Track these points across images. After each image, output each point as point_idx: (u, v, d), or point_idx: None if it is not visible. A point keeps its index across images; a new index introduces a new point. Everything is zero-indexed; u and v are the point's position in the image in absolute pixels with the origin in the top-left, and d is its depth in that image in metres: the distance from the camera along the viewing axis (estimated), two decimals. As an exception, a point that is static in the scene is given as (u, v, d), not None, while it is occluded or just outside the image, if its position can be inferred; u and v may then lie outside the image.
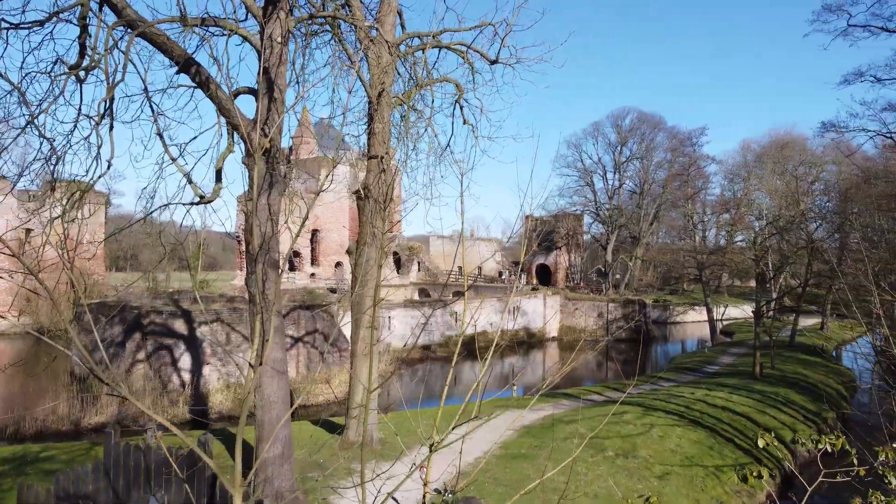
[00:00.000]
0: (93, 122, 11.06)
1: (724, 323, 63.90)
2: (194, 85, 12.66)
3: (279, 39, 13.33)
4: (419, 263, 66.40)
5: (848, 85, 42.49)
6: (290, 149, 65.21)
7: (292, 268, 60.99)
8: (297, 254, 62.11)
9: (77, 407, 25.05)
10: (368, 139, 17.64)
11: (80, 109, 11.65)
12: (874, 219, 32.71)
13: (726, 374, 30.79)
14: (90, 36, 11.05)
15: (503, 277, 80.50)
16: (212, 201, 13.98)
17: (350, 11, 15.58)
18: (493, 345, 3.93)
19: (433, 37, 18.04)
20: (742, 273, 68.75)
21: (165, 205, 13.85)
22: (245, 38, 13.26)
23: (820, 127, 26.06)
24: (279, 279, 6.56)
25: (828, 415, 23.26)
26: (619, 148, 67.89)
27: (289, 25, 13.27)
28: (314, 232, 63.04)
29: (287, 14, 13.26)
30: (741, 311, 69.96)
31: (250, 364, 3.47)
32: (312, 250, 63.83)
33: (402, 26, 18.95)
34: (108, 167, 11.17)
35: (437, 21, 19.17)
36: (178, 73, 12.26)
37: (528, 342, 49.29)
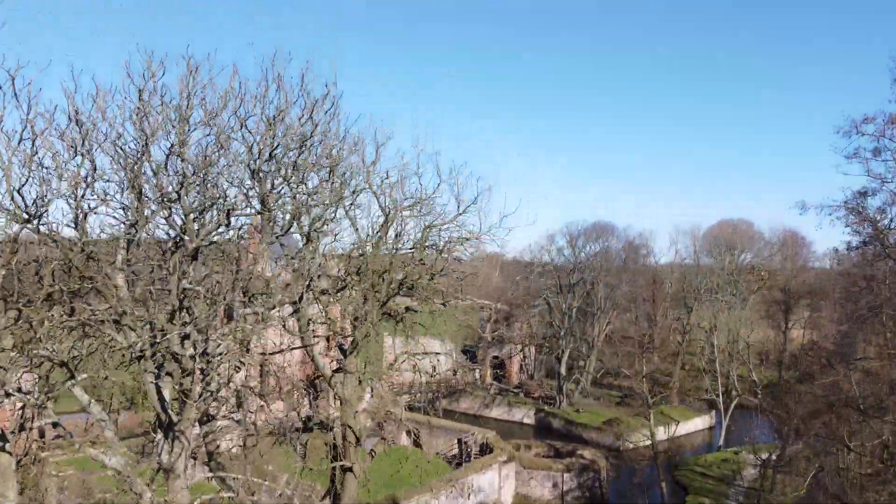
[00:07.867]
0: None
1: (675, 442, 64.40)
2: None
3: None
4: (372, 389, 65.45)
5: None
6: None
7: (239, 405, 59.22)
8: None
9: None
10: None
11: None
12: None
13: None
14: None
15: (458, 376, 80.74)
16: None
17: None
18: None
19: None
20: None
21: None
22: None
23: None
24: None
25: None
26: (572, 270, 68.25)
27: None
28: (262, 365, 61.32)
29: None
30: (693, 426, 70.44)
31: None
32: (261, 383, 61.90)
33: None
34: None
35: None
36: None
37: (484, 521, 48.78)
